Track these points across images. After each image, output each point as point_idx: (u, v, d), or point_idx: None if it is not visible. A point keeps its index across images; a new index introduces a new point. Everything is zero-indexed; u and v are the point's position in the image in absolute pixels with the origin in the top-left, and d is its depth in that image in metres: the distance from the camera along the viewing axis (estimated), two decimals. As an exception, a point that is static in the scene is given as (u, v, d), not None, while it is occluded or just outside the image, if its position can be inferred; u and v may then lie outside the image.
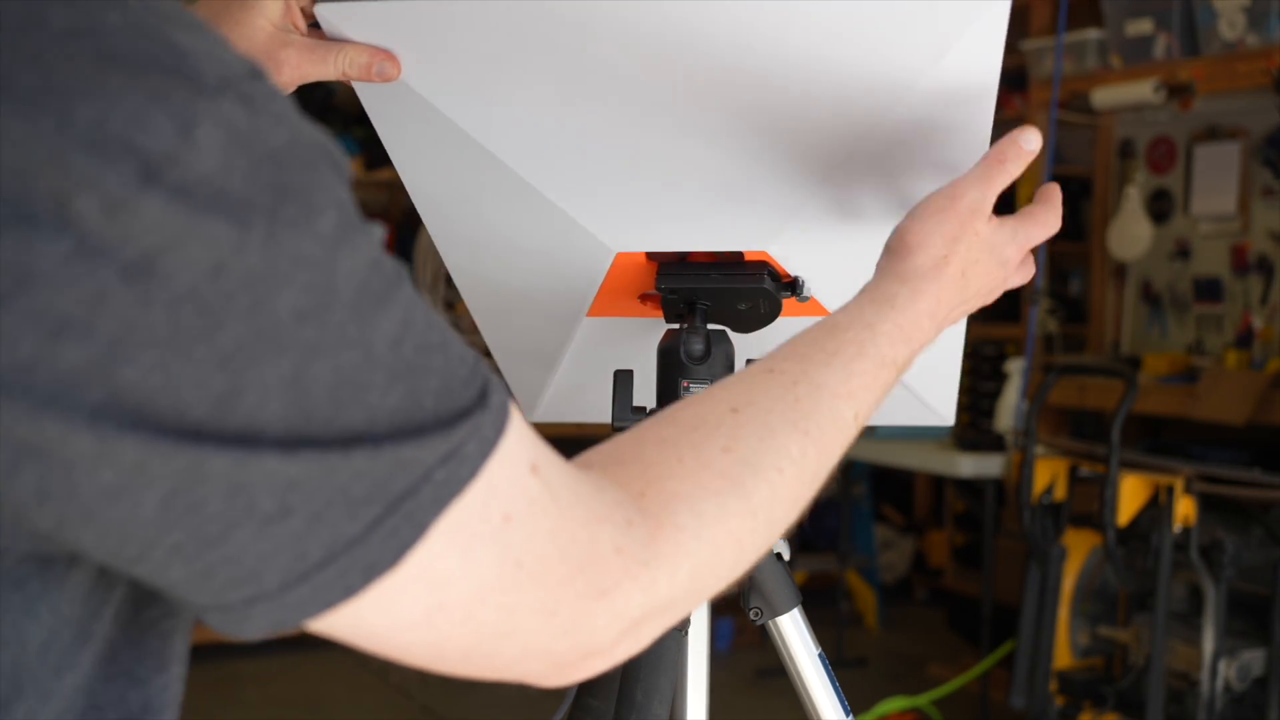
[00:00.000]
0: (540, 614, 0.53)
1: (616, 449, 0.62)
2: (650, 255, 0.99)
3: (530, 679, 0.57)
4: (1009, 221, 0.83)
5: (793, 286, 0.96)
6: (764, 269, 0.96)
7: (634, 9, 0.77)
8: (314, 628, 0.50)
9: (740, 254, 0.96)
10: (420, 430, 0.48)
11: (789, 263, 0.96)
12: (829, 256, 0.94)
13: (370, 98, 0.90)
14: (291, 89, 0.86)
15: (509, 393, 0.54)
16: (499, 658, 0.54)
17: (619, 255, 0.98)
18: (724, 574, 0.62)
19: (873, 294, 0.77)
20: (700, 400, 0.66)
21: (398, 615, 0.50)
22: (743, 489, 0.62)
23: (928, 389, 1.04)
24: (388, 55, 0.84)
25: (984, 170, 0.81)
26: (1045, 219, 0.84)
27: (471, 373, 0.51)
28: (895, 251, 0.79)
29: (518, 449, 0.52)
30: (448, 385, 0.50)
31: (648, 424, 0.64)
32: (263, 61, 0.81)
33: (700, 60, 0.80)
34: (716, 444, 0.63)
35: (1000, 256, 0.82)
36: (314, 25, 0.87)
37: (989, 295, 0.83)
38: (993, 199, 0.81)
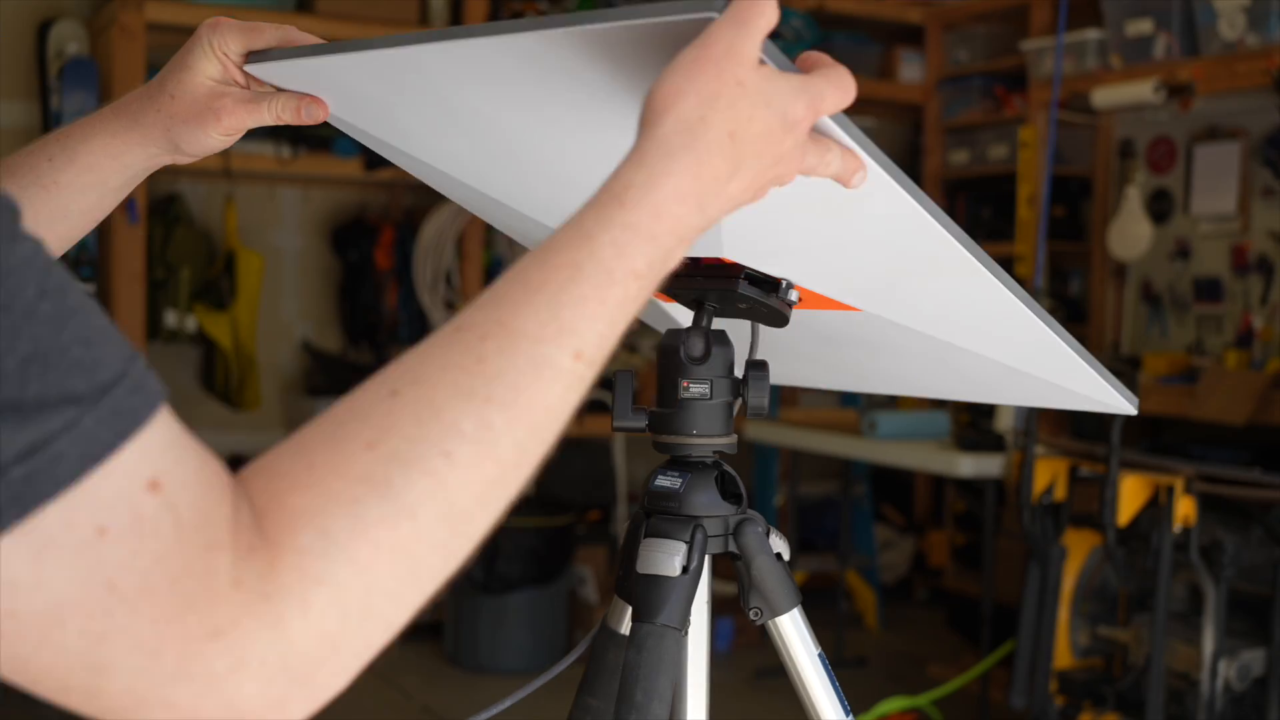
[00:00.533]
0: (140, 651, 0.47)
1: (266, 457, 0.54)
2: None
3: None
4: (792, 75, 0.68)
5: (775, 288, 0.96)
6: (740, 272, 0.96)
7: (472, 51, 0.76)
8: None
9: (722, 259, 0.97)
10: None
11: (760, 263, 0.95)
12: (791, 252, 0.93)
13: (346, 128, 0.97)
14: (238, 134, 0.94)
15: (160, 398, 0.49)
16: (107, 698, 0.48)
17: None
18: (401, 590, 0.54)
19: (603, 190, 0.63)
20: (365, 385, 0.57)
21: None
22: (389, 490, 0.53)
23: (1091, 388, 1.01)
24: (313, 100, 0.92)
25: (737, 8, 0.65)
26: (838, 78, 0.69)
27: (93, 361, 0.46)
28: (642, 123, 0.65)
29: (137, 458, 0.47)
30: (44, 355, 0.44)
31: (308, 424, 0.56)
32: (205, 111, 0.91)
33: (566, 86, 0.78)
34: (360, 440, 0.54)
35: (782, 113, 0.66)
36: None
37: (776, 165, 0.67)
38: (756, 40, 0.65)
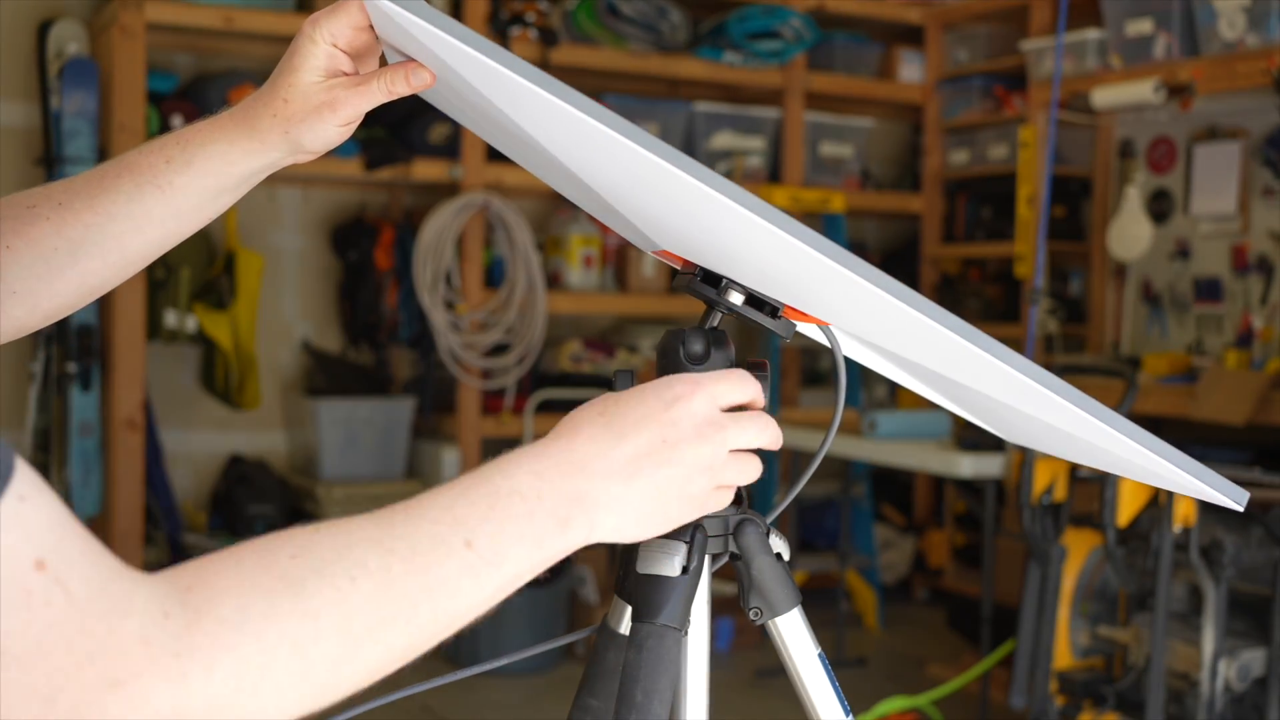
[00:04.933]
0: (35, 698, 0.52)
1: (199, 558, 0.62)
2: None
3: None
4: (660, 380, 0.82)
5: (759, 306, 0.96)
6: (733, 285, 0.96)
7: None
8: None
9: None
10: None
11: (749, 278, 0.95)
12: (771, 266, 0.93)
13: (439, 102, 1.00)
14: (356, 121, 0.96)
15: (24, 494, 0.53)
16: None
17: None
18: (286, 685, 0.60)
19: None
20: (294, 528, 0.66)
21: None
22: (301, 590, 0.62)
23: (1195, 483, 0.96)
24: (417, 66, 0.92)
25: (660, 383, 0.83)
26: (740, 380, 0.84)
27: None
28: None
29: (13, 544, 0.52)
30: None
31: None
32: (321, 106, 0.94)
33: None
34: (284, 552, 0.63)
35: (658, 386, 0.80)
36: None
37: (687, 442, 0.78)
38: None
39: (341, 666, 0.63)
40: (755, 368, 1.00)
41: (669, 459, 0.77)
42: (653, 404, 0.78)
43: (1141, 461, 0.95)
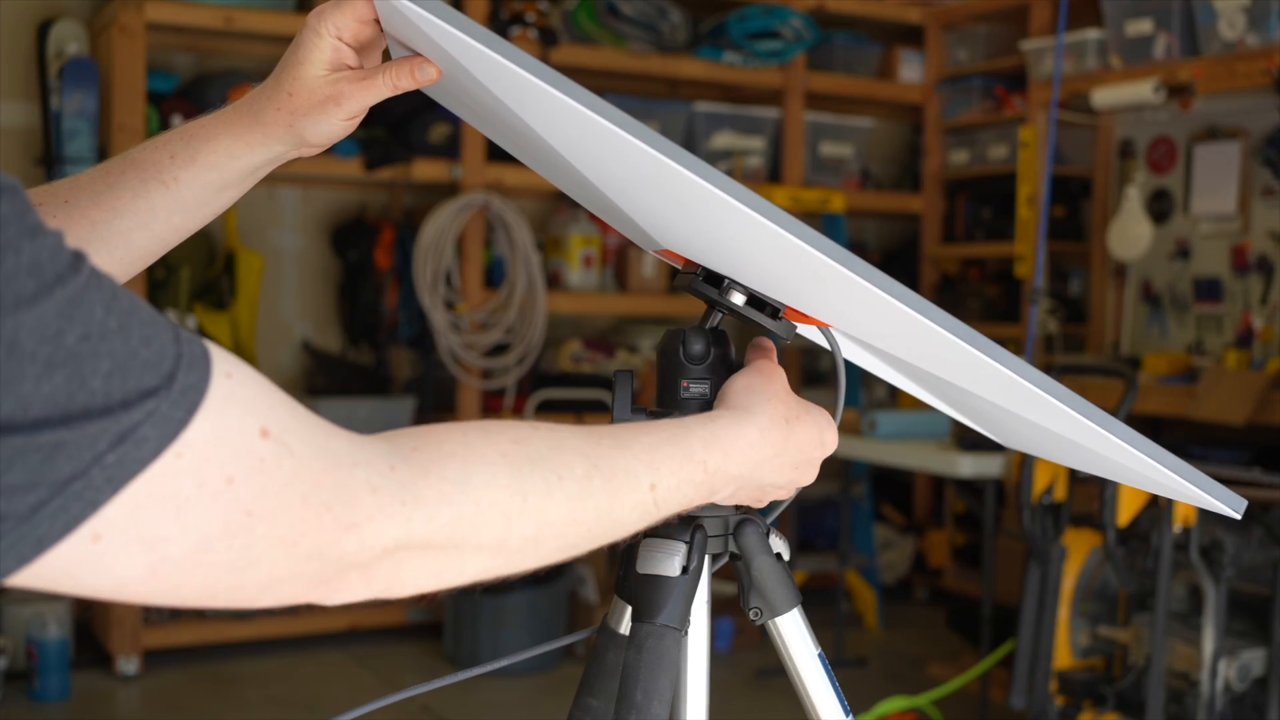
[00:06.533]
0: (281, 545, 0.59)
1: (420, 426, 0.69)
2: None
3: (291, 600, 0.62)
4: (821, 411, 0.92)
5: (760, 306, 0.96)
6: (735, 286, 0.96)
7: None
8: (23, 583, 0.54)
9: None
10: (85, 413, 0.51)
11: (752, 279, 0.95)
12: (775, 271, 0.93)
13: (442, 97, 0.99)
14: (361, 115, 0.96)
15: (208, 361, 0.56)
16: (247, 587, 0.59)
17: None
18: (486, 541, 0.68)
19: (702, 415, 0.86)
20: (507, 419, 0.73)
21: (117, 574, 0.55)
22: (518, 471, 0.69)
23: (1193, 492, 0.96)
24: (423, 61, 0.91)
25: (773, 362, 0.95)
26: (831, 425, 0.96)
27: (157, 355, 0.54)
28: (721, 401, 0.90)
29: (237, 420, 0.57)
30: (122, 367, 0.52)
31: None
32: (325, 101, 0.94)
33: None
34: (506, 436, 0.71)
35: (819, 423, 0.91)
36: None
37: (809, 465, 0.90)
38: (785, 376, 0.93)
39: (528, 545, 0.71)
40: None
41: (791, 483, 0.91)
42: (814, 434, 0.90)
43: (1141, 468, 0.95)
